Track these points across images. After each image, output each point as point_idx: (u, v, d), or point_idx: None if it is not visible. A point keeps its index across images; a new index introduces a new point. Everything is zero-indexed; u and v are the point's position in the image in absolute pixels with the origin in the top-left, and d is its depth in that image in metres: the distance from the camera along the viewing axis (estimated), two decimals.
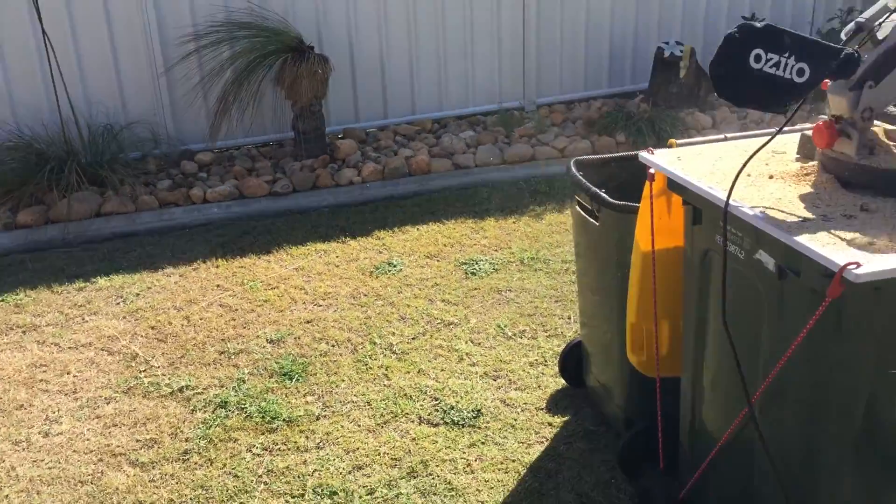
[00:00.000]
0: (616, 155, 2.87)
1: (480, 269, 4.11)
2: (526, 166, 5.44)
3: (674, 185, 2.09)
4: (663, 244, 2.29)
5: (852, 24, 1.86)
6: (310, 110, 5.38)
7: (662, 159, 2.14)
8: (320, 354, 3.44)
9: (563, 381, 3.16)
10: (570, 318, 3.62)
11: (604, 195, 2.53)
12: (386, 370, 3.32)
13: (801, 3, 6.83)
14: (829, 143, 1.82)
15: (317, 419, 3.03)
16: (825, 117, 1.86)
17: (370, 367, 3.34)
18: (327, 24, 5.78)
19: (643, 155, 2.20)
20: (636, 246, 2.36)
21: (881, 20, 1.79)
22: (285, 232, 4.65)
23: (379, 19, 5.89)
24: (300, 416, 3.04)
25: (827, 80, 1.83)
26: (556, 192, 5.01)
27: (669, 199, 2.23)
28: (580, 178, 2.68)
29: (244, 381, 3.27)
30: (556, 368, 3.20)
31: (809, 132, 1.94)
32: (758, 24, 1.67)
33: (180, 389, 3.24)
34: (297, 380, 3.26)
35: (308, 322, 3.70)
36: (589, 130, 5.82)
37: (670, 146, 2.28)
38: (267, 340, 3.56)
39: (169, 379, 3.31)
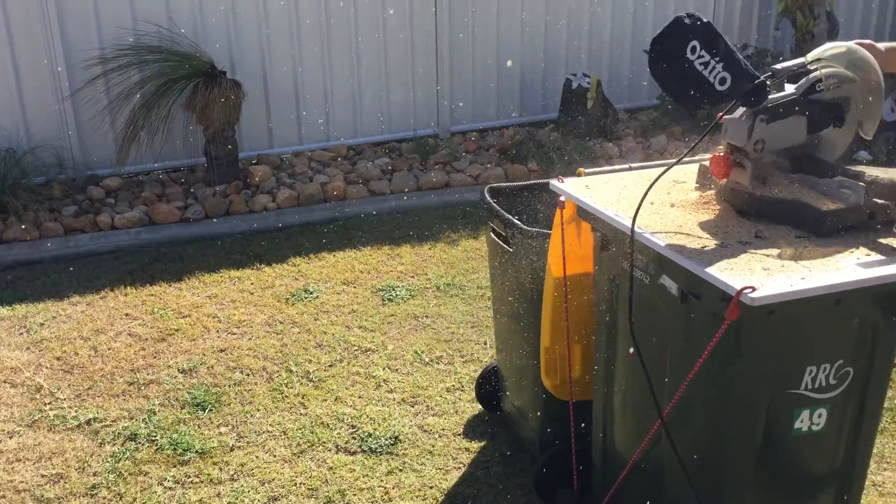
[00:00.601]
0: (528, 183, 2.95)
1: (397, 295, 4.13)
2: (441, 193, 5.51)
3: (583, 213, 2.17)
4: (574, 270, 2.37)
5: (776, 67, 2.00)
6: (222, 136, 5.32)
7: (572, 188, 2.22)
8: (234, 384, 3.39)
9: (479, 407, 3.20)
10: (486, 343, 3.67)
11: (517, 222, 2.60)
12: (302, 398, 3.29)
13: None
14: (725, 173, 1.94)
15: (231, 450, 2.98)
16: (722, 149, 1.97)
17: (286, 396, 3.30)
18: (240, 50, 5.74)
19: (554, 183, 2.28)
20: (548, 271, 2.43)
21: (790, 72, 1.94)
22: (197, 259, 4.57)
23: (293, 46, 5.89)
24: (213, 447, 2.98)
25: (723, 116, 1.95)
26: (471, 218, 5.09)
27: (579, 226, 2.31)
28: (494, 205, 2.74)
29: (155, 413, 3.18)
30: (473, 394, 3.23)
31: (708, 163, 2.05)
32: (704, 18, 1.76)
33: (88, 422, 3.13)
34: (211, 410, 3.20)
35: (222, 351, 3.64)
36: (502, 158, 5.94)
37: (579, 175, 2.36)
38: (178, 370, 3.48)
39: (76, 411, 3.20)
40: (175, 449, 2.96)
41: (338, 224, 5.05)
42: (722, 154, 1.94)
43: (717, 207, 1.98)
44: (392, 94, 6.30)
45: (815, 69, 1.93)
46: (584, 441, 2.53)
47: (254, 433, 3.07)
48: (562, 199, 2.25)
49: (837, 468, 2.01)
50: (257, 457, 2.94)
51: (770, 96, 1.87)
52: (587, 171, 2.37)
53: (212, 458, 2.93)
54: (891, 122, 7.42)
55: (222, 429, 3.10)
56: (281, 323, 3.88)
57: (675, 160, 1.96)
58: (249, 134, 5.88)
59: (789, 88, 1.97)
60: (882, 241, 1.79)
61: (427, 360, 3.55)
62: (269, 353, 3.62)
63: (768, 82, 1.85)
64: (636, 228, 1.85)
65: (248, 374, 3.46)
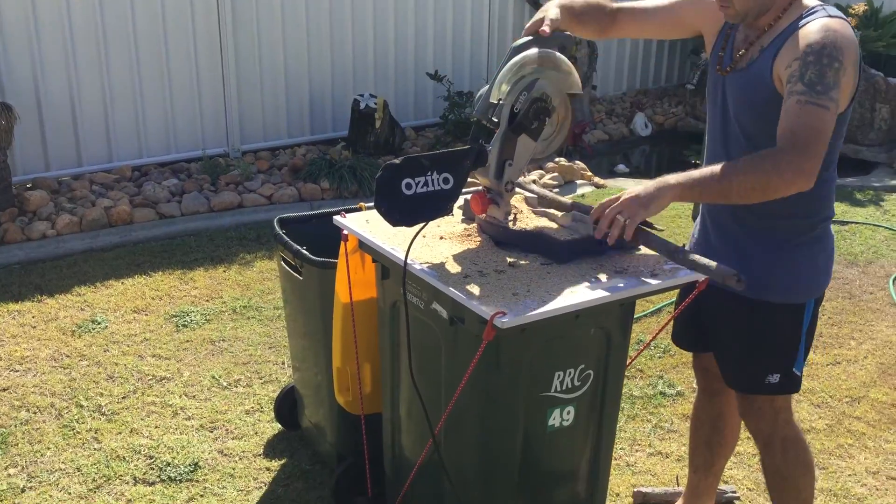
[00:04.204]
0: (316, 212, 3.12)
1: (192, 320, 4.15)
2: (234, 214, 5.53)
3: (364, 246, 2.38)
4: (360, 296, 2.58)
5: (476, 107, 2.23)
6: None
7: (353, 223, 2.43)
8: (21, 423, 3.28)
9: (279, 426, 3.33)
10: (283, 363, 3.80)
11: (305, 252, 2.77)
12: (95, 433, 3.25)
13: (477, 62, 7.69)
14: (482, 209, 2.22)
15: (22, 491, 2.91)
16: (480, 188, 2.26)
17: (78, 432, 3.25)
18: (9, 70, 5.44)
19: (337, 219, 2.47)
20: (337, 297, 2.62)
21: (493, 111, 2.17)
22: None
23: (68, 65, 5.66)
24: (3, 490, 2.89)
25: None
26: (266, 239, 5.17)
27: (363, 256, 2.52)
28: (283, 236, 2.89)
29: None
30: (272, 414, 3.36)
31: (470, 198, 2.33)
32: (397, 161, 2.00)
33: None
34: None
35: (4, 390, 3.50)
36: (294, 177, 6.05)
37: (360, 209, 2.58)
38: None
39: None
40: None
41: (125, 249, 4.95)
42: (479, 193, 2.22)
43: (479, 239, 2.27)
44: (178, 113, 6.21)
45: (501, 101, 2.14)
46: (378, 451, 2.74)
47: (45, 472, 3.01)
48: (345, 232, 2.45)
49: (588, 455, 2.37)
50: (51, 496, 2.90)
51: (490, 148, 2.13)
52: (367, 205, 2.59)
53: (2, 501, 2.84)
54: (645, 136, 8.35)
55: (11, 470, 3.01)
56: (68, 356, 3.78)
57: None
58: (23, 157, 5.59)
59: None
60: (609, 264, 2.15)
61: (225, 384, 3.63)
62: (56, 388, 3.53)
63: (480, 143, 2.12)
64: (408, 261, 2.09)
65: (35, 412, 3.36)
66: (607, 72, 8.75)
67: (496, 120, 2.13)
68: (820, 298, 2.35)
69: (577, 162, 6.72)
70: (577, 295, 2.00)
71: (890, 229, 5.63)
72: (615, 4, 2.50)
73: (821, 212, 2.25)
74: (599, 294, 2.01)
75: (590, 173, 6.68)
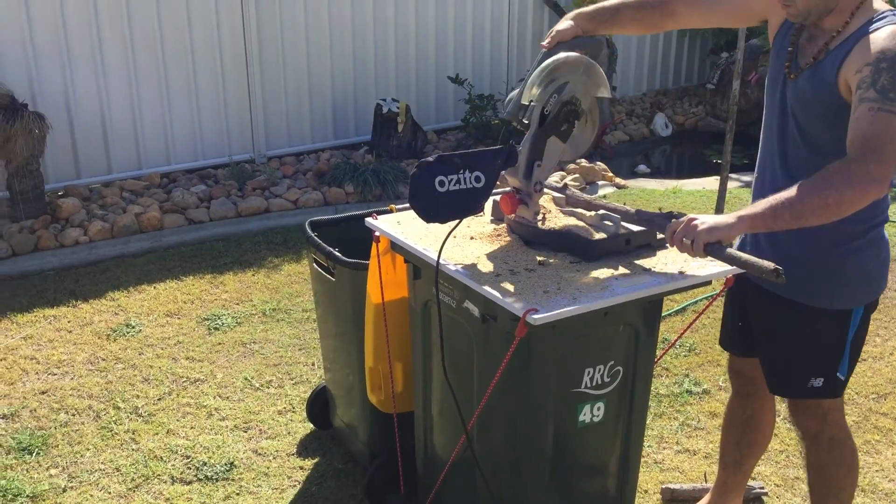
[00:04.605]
0: (345, 215, 3.19)
1: (223, 323, 4.23)
2: (261, 218, 5.62)
3: (396, 247, 2.44)
4: (392, 296, 2.64)
5: (507, 109, 2.29)
6: (26, 169, 5.14)
7: (385, 224, 2.49)
8: (61, 425, 3.37)
9: (311, 426, 3.39)
10: (314, 364, 3.86)
11: (337, 254, 2.83)
12: (133, 434, 3.34)
13: (497, 65, 7.74)
14: (512, 209, 2.28)
15: (63, 491, 2.99)
16: (509, 189, 2.31)
17: (116, 433, 3.34)
18: (40, 81, 5.57)
19: (369, 220, 2.54)
20: (368, 298, 2.69)
21: (523, 113, 2.24)
22: (7, 299, 4.42)
23: (97, 74, 5.78)
24: (45, 490, 2.98)
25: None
26: (293, 242, 5.25)
27: (394, 257, 2.58)
28: (315, 238, 2.96)
29: None
30: (304, 414, 3.42)
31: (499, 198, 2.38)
32: (431, 159, 2.06)
33: None
34: (38, 454, 3.18)
35: (43, 393, 3.59)
36: (319, 182, 6.14)
37: (391, 211, 2.64)
38: None
39: None
40: (4, 496, 2.93)
41: (156, 255, 5.05)
42: (509, 193, 2.27)
43: (508, 238, 2.32)
44: (204, 120, 6.32)
45: (532, 104, 2.22)
46: (410, 449, 2.80)
47: (86, 472, 3.10)
48: (376, 233, 2.51)
49: (618, 451, 2.41)
50: (91, 495, 2.98)
51: (521, 148, 2.20)
52: (398, 206, 2.65)
53: (44, 500, 2.93)
54: (665, 136, 8.35)
55: (52, 471, 3.10)
56: (104, 360, 3.87)
57: None
58: (55, 165, 5.71)
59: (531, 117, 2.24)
60: (637, 262, 2.19)
61: (257, 385, 3.70)
62: (94, 391, 3.62)
63: (512, 143, 2.19)
64: (441, 261, 2.14)
65: (73, 415, 3.45)
66: (627, 72, 8.78)
67: (526, 122, 2.18)
68: (871, 305, 2.30)
69: (599, 163, 6.75)
70: (606, 292, 2.04)
71: None
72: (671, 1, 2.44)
73: (871, 217, 2.19)
74: (628, 291, 2.06)
75: (611, 174, 6.71)
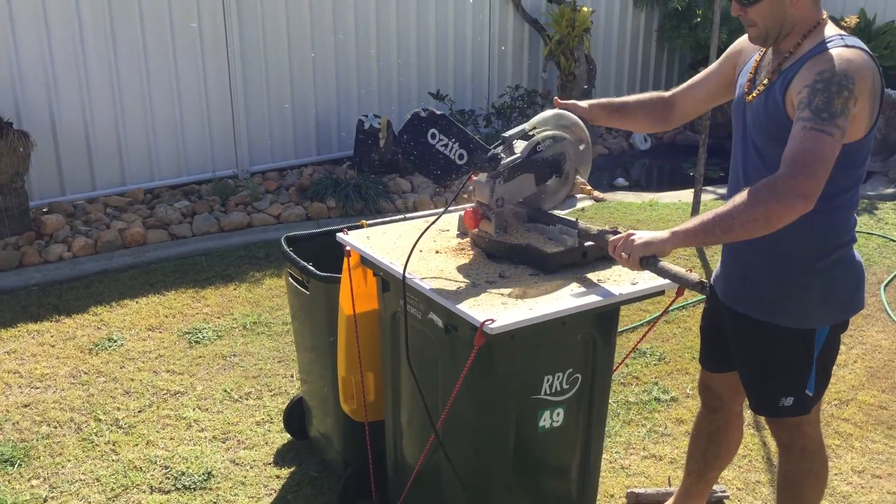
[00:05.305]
0: (323, 230, 3.28)
1: (204, 336, 4.30)
2: (243, 233, 5.71)
3: (365, 261, 2.54)
4: (363, 308, 2.73)
5: (504, 135, 2.43)
6: (11, 187, 5.22)
7: (355, 239, 2.58)
8: (42, 437, 3.44)
9: (288, 436, 3.47)
10: (292, 376, 3.94)
11: (311, 268, 2.92)
12: (113, 445, 3.41)
13: (479, 82, 7.87)
14: (475, 224, 2.38)
15: (44, 501, 3.06)
16: (473, 205, 2.41)
17: (97, 445, 3.41)
18: (25, 99, 5.66)
19: (340, 236, 2.63)
20: (341, 310, 2.78)
21: (516, 138, 2.40)
22: None
23: (81, 92, 5.87)
24: (26, 500, 3.05)
25: (473, 176, 2.39)
26: (274, 257, 5.33)
27: (365, 270, 2.67)
28: (290, 253, 3.05)
29: None
30: (282, 424, 3.50)
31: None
32: (438, 112, 2.17)
33: None
34: (20, 465, 3.25)
35: (26, 406, 3.66)
36: (302, 197, 6.23)
37: (362, 226, 2.74)
38: None
39: None
40: None
41: (139, 270, 5.12)
42: (472, 208, 2.38)
43: (472, 252, 2.42)
44: (188, 136, 6.41)
45: (533, 134, 2.40)
46: (381, 457, 2.88)
47: (66, 483, 3.16)
48: (348, 248, 2.61)
49: (578, 455, 2.51)
50: None
51: (504, 161, 2.33)
52: (369, 222, 2.75)
53: None
54: (644, 150, 8.50)
55: (34, 482, 3.16)
56: (86, 373, 3.94)
57: (437, 214, 2.38)
58: (40, 182, 5.79)
59: (521, 144, 2.41)
60: (590, 275, 2.30)
61: (236, 397, 3.78)
62: (75, 404, 3.69)
63: (500, 151, 2.31)
64: (407, 274, 2.24)
65: (55, 427, 3.52)
66: (607, 86, 8.92)
67: (517, 144, 2.33)
68: (839, 325, 2.35)
69: (577, 176, 6.86)
70: (562, 302, 2.15)
71: (883, 237, 5.75)
72: (668, 93, 2.63)
73: (835, 238, 2.25)
74: (583, 301, 2.16)
75: (589, 187, 6.81)
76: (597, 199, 6.66)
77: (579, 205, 6.55)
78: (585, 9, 7.69)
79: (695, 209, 5.63)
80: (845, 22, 7.36)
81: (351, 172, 6.53)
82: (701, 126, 5.74)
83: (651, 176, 8.28)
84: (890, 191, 6.86)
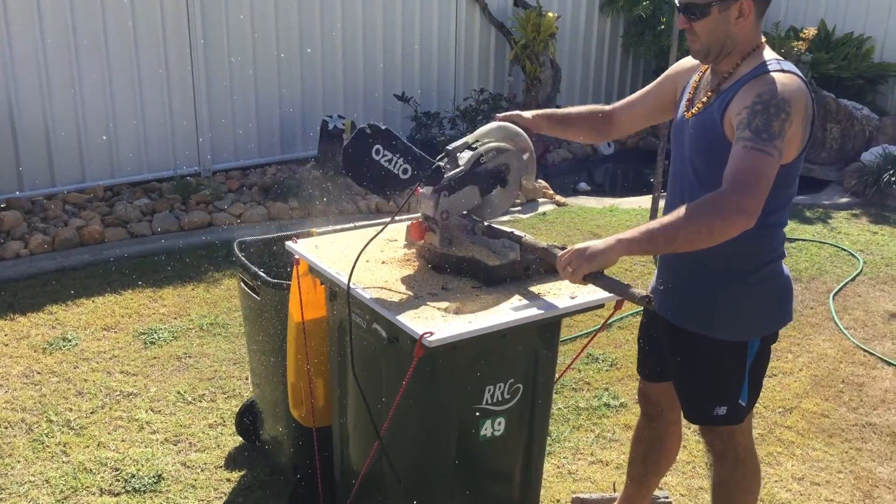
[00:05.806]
0: (274, 235, 3.30)
1: (160, 337, 4.30)
2: (204, 233, 5.69)
3: (313, 270, 2.57)
4: (312, 315, 2.76)
5: (448, 148, 2.46)
6: None
7: (303, 248, 2.61)
8: None
9: (240, 439, 3.49)
10: (247, 378, 3.95)
11: (262, 275, 2.95)
12: (64, 447, 3.40)
13: (444, 84, 7.91)
14: (420, 236, 2.42)
15: None
16: (419, 216, 2.45)
17: (47, 446, 3.40)
18: None
19: (288, 244, 2.66)
20: (290, 317, 2.80)
21: (459, 151, 2.43)
22: None
23: (41, 86, 5.82)
24: None
25: (419, 189, 2.43)
26: (234, 257, 5.31)
27: (315, 278, 2.70)
28: (242, 258, 3.07)
29: None
30: (234, 428, 3.52)
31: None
32: (382, 127, 2.21)
33: None
34: None
35: None
36: (264, 196, 6.23)
37: (311, 235, 2.76)
38: None
39: None
40: None
41: (97, 268, 5.10)
42: (418, 221, 2.42)
43: (417, 264, 2.46)
44: (150, 133, 6.38)
45: (477, 146, 2.43)
46: (329, 462, 2.92)
47: (15, 484, 3.16)
48: (296, 256, 2.63)
49: (520, 462, 2.56)
50: None
51: (448, 174, 2.37)
52: (318, 230, 2.78)
53: None
54: (607, 154, 8.60)
55: None
56: (39, 373, 3.93)
57: (383, 224, 2.41)
58: None
59: (465, 156, 2.44)
60: (532, 288, 2.35)
61: (190, 399, 3.78)
62: (27, 404, 3.67)
63: (443, 165, 2.35)
64: (352, 285, 2.28)
65: (5, 427, 3.50)
66: (572, 91, 9.01)
67: (461, 156, 2.35)
68: (770, 337, 2.43)
69: (540, 181, 6.94)
70: (502, 315, 2.19)
71: (835, 246, 5.89)
72: (609, 108, 2.70)
73: (765, 254, 2.33)
74: (522, 315, 2.21)
75: (551, 192, 6.90)
76: (559, 204, 6.78)
77: (541, 209, 6.62)
78: (551, 14, 7.77)
79: (653, 215, 5.73)
80: (804, 34, 7.50)
81: (315, 172, 6.53)
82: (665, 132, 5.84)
83: (614, 181, 8.38)
84: (844, 200, 7.01)
